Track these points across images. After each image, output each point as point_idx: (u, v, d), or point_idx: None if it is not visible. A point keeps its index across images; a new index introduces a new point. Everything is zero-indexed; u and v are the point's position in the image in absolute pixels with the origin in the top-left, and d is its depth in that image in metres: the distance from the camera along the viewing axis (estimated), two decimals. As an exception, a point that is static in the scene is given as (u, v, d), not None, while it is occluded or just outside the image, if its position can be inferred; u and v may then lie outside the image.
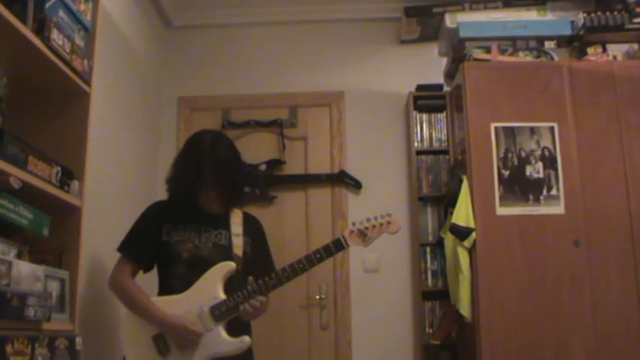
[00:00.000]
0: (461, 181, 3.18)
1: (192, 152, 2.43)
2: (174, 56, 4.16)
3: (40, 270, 1.80)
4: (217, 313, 2.26)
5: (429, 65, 3.99)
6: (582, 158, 3.16)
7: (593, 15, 3.37)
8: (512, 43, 3.47)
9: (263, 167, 3.89)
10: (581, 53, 3.40)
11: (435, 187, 3.74)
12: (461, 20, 3.54)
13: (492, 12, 3.60)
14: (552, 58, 3.40)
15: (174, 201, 2.47)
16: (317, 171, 3.97)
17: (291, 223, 3.90)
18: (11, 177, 1.66)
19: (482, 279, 3.02)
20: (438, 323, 3.49)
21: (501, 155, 3.16)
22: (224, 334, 2.26)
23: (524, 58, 3.41)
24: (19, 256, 1.81)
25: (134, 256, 2.42)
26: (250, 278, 2.31)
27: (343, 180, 3.92)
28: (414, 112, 3.81)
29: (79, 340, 1.94)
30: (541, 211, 3.10)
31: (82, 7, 2.13)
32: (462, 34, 3.48)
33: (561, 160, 3.16)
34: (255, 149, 3.88)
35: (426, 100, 3.82)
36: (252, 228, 2.55)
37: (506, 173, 3.14)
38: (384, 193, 3.92)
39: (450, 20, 3.59)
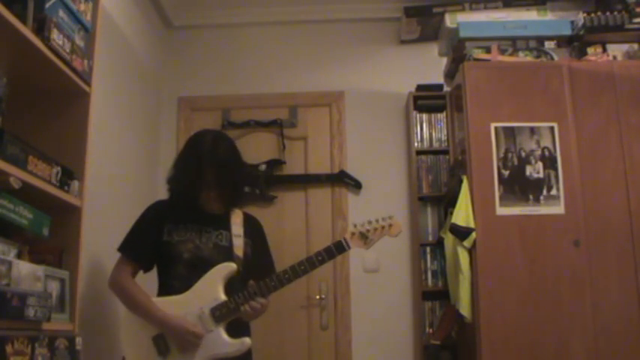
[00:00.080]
0: (461, 181, 3.18)
1: (192, 152, 2.43)
2: (174, 56, 4.16)
3: (40, 270, 1.80)
4: (218, 314, 2.26)
5: (429, 65, 3.99)
6: (582, 158, 3.16)
7: (593, 15, 3.37)
8: (512, 43, 3.47)
9: (263, 167, 3.89)
10: (581, 53, 3.41)
11: (435, 187, 3.74)
12: (461, 20, 3.54)
13: (492, 12, 3.60)
14: (552, 58, 3.40)
15: (175, 201, 2.47)
16: (317, 171, 3.97)
17: (291, 223, 3.90)
18: (11, 177, 1.66)
19: (483, 279, 3.02)
20: (438, 323, 3.49)
21: (501, 155, 3.16)
22: (224, 335, 2.26)
23: (524, 58, 3.41)
24: (19, 256, 1.81)
25: (134, 256, 2.41)
26: (251, 281, 2.31)
27: (343, 180, 3.92)
28: (414, 112, 3.81)
29: (79, 340, 1.94)
30: (541, 211, 3.10)
31: (82, 7, 2.13)
32: (462, 34, 3.48)
33: (561, 160, 3.16)
34: (255, 149, 3.88)
35: (426, 100, 3.82)
36: (253, 228, 2.55)
37: (506, 173, 3.14)
38: (384, 193, 3.92)
39: (450, 20, 3.59)
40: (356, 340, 3.75)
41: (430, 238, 3.71)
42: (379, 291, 3.81)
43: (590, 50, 3.39)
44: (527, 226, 3.08)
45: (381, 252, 3.71)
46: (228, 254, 2.39)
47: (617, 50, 3.40)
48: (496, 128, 3.19)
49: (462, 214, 3.08)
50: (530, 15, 3.56)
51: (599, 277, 3.03)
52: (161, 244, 2.37)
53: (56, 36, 1.87)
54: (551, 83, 3.24)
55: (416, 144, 3.79)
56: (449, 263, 3.31)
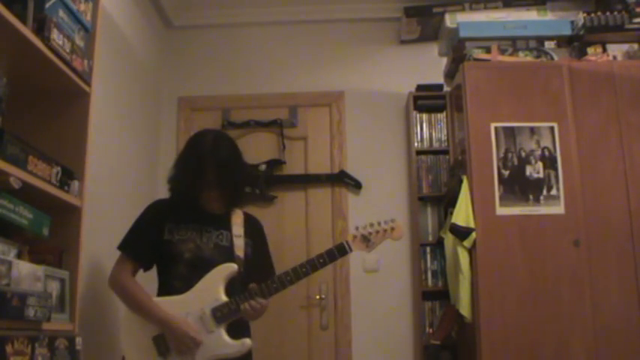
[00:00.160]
0: (461, 181, 3.18)
1: (193, 152, 2.42)
2: (174, 56, 4.17)
3: (40, 270, 1.80)
4: (219, 315, 2.26)
5: (429, 65, 3.99)
6: (582, 158, 3.16)
7: (593, 15, 3.37)
8: (512, 43, 3.47)
9: (263, 167, 3.89)
10: (581, 53, 3.41)
11: (435, 187, 3.74)
12: (461, 20, 3.54)
13: (492, 12, 3.60)
14: (552, 58, 3.40)
15: (175, 200, 2.46)
16: (317, 171, 3.97)
17: (291, 223, 3.90)
18: (11, 177, 1.66)
19: (482, 279, 3.02)
20: (438, 323, 3.49)
21: (501, 155, 3.16)
22: (225, 336, 2.26)
23: (524, 58, 3.41)
24: (19, 256, 1.81)
25: (135, 254, 2.40)
26: (252, 284, 2.31)
27: (343, 180, 3.92)
28: (414, 112, 3.81)
29: (79, 340, 1.94)
30: (541, 211, 3.10)
31: (82, 7, 2.13)
32: (462, 34, 3.48)
33: (561, 160, 3.16)
34: (255, 149, 3.88)
35: (426, 100, 3.82)
36: (253, 229, 2.54)
37: (506, 173, 3.15)
38: (384, 193, 3.92)
39: (450, 20, 3.59)
40: (356, 340, 3.75)
41: (430, 238, 3.71)
42: (379, 291, 3.81)
43: (590, 50, 3.39)
44: (527, 226, 3.08)
45: (381, 252, 3.70)
46: (228, 254, 2.38)
47: (617, 50, 3.40)
48: (496, 128, 3.19)
49: (462, 214, 3.08)
50: (530, 15, 3.56)
51: (599, 277, 3.03)
52: (162, 243, 2.37)
53: (56, 36, 1.87)
54: (551, 83, 3.24)
55: (416, 144, 3.79)
56: (449, 263, 3.31)
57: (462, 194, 3.12)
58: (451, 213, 3.19)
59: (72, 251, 2.06)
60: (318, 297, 3.79)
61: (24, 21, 1.74)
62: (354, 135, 4.02)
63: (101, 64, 2.38)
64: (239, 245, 2.42)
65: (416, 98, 3.82)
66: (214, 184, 2.38)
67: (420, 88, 3.86)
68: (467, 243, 3.06)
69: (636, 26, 3.37)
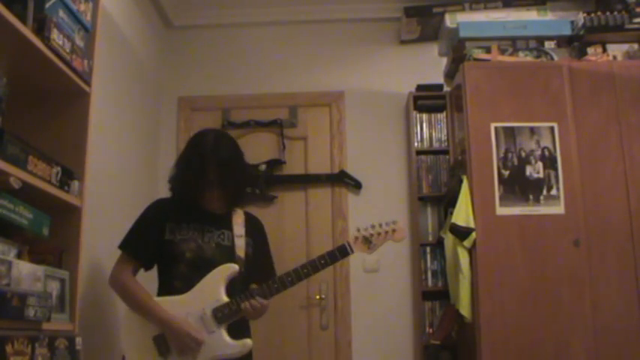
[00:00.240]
0: (461, 181, 3.18)
1: (194, 151, 2.42)
2: (174, 56, 4.17)
3: (40, 270, 1.80)
4: (220, 315, 2.25)
5: (429, 65, 3.99)
6: (582, 158, 3.16)
7: (593, 15, 3.37)
8: (512, 43, 3.47)
9: (263, 167, 3.89)
10: (581, 53, 3.41)
11: (435, 187, 3.74)
12: (461, 20, 3.54)
13: (492, 12, 3.60)
14: (552, 58, 3.40)
15: (176, 199, 2.46)
16: (317, 171, 3.97)
17: (291, 223, 3.90)
18: (11, 177, 1.66)
19: (482, 279, 3.02)
20: (438, 323, 3.49)
21: (501, 155, 3.16)
22: (226, 336, 2.26)
23: (524, 58, 3.41)
24: (19, 256, 1.81)
25: (136, 253, 2.40)
26: (254, 285, 2.31)
27: (343, 180, 3.92)
28: (414, 112, 3.81)
29: (79, 340, 1.94)
30: (541, 211, 3.10)
31: (82, 7, 2.13)
32: (462, 34, 3.48)
33: (561, 160, 3.16)
34: (255, 149, 3.87)
35: (426, 100, 3.82)
36: (254, 228, 2.54)
37: (506, 173, 3.14)
38: (384, 193, 3.92)
39: (450, 20, 3.59)
40: (356, 340, 3.75)
41: (430, 238, 3.71)
42: (379, 291, 3.81)
43: (590, 50, 3.39)
44: (527, 226, 3.08)
45: (381, 252, 3.69)
46: (230, 254, 2.38)
47: (617, 50, 3.40)
48: (496, 128, 3.19)
49: (462, 214, 3.08)
50: (530, 15, 3.56)
51: (599, 277, 3.03)
52: (163, 242, 2.36)
53: (56, 36, 1.87)
54: (551, 83, 3.24)
55: (416, 144, 3.79)
56: (449, 263, 3.31)
57: (462, 194, 3.12)
58: (451, 213, 3.19)
59: (72, 251, 2.06)
60: (318, 297, 3.79)
61: (24, 21, 1.74)
62: (354, 135, 4.02)
63: (101, 64, 2.38)
64: (240, 245, 2.42)
65: (416, 98, 3.82)
66: (215, 183, 2.38)
67: (420, 88, 3.86)
68: (467, 243, 3.06)
69: (636, 26, 3.37)
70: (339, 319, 3.78)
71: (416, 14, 3.85)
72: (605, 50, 3.39)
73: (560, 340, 2.96)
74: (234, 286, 2.32)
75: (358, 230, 2.39)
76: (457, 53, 3.50)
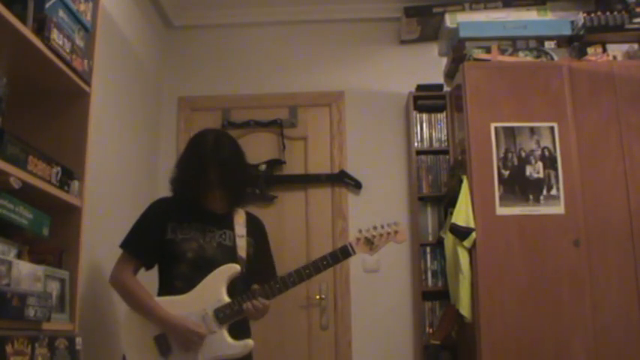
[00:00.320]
0: (461, 181, 3.18)
1: (195, 152, 2.42)
2: (174, 56, 4.17)
3: (40, 270, 1.80)
4: (221, 316, 2.25)
5: (429, 65, 3.99)
6: (582, 158, 3.16)
7: (593, 15, 3.37)
8: (512, 43, 3.47)
9: (263, 167, 3.89)
10: (581, 53, 3.41)
11: (435, 187, 3.74)
12: (461, 20, 3.54)
13: (492, 12, 3.60)
14: (552, 58, 3.40)
15: (178, 199, 2.46)
16: (317, 171, 3.97)
17: (291, 223, 3.90)
18: (11, 177, 1.66)
19: (482, 279, 3.02)
20: (438, 323, 3.49)
21: (501, 155, 3.16)
22: (228, 337, 2.26)
23: (524, 58, 3.41)
24: (19, 256, 1.81)
25: (137, 252, 2.39)
26: (255, 285, 2.31)
27: (343, 180, 3.92)
28: (414, 112, 3.81)
29: (79, 340, 1.94)
30: (541, 211, 3.10)
31: (82, 7, 2.13)
32: (462, 34, 3.48)
33: (561, 160, 3.16)
34: (255, 149, 3.87)
35: (426, 100, 3.82)
36: (255, 228, 2.54)
37: (506, 173, 3.15)
38: (384, 193, 3.92)
39: (450, 20, 3.60)
40: (356, 340, 3.75)
41: (430, 238, 3.71)
42: (379, 291, 3.81)
43: (590, 50, 3.39)
44: (527, 226, 3.08)
45: (381, 252, 3.70)
46: (231, 254, 2.38)
47: (617, 50, 3.40)
48: (496, 128, 3.19)
49: (462, 214, 3.08)
50: (530, 15, 3.56)
51: (599, 277, 3.03)
52: (164, 242, 2.36)
53: (56, 36, 1.87)
54: (551, 83, 3.24)
55: (416, 144, 3.79)
56: (449, 263, 3.31)
57: (462, 194, 3.12)
58: (451, 213, 3.19)
59: (72, 251, 2.06)
60: (318, 297, 3.79)
61: (24, 21, 1.74)
62: (354, 135, 4.02)
63: (101, 64, 2.38)
64: (241, 245, 2.42)
65: (416, 98, 3.82)
66: (216, 183, 2.38)
67: (420, 88, 3.86)
68: (467, 243, 3.06)
69: (636, 26, 3.37)
70: (339, 319, 3.78)
71: (416, 14, 3.85)
72: (605, 50, 3.39)
73: (560, 340, 2.96)
74: (235, 287, 2.32)
75: (360, 231, 2.39)
76: (457, 53, 3.50)
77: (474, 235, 3.05)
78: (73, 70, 2.02)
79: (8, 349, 1.53)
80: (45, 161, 1.86)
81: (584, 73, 3.26)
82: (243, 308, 2.26)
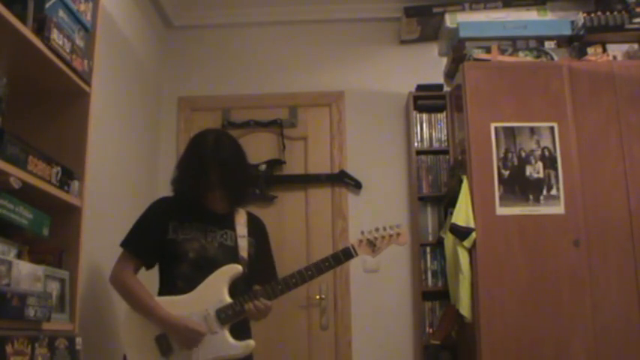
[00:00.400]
0: (461, 181, 3.18)
1: (195, 152, 2.41)
2: (174, 56, 4.17)
3: (40, 270, 1.80)
4: (223, 316, 2.25)
5: (429, 65, 3.99)
6: (582, 158, 3.16)
7: (593, 15, 3.37)
8: (512, 43, 3.47)
9: (263, 167, 3.89)
10: (581, 53, 3.41)
11: (435, 187, 3.74)
12: (461, 20, 3.54)
13: (492, 12, 3.60)
14: (552, 58, 3.40)
15: (179, 199, 2.45)
16: (317, 171, 3.97)
17: (291, 223, 3.90)
18: (11, 177, 1.66)
19: (482, 279, 3.02)
20: (438, 323, 3.49)
21: (501, 155, 3.16)
22: (229, 337, 2.26)
23: (524, 58, 3.41)
24: (19, 256, 1.81)
25: (138, 252, 2.39)
26: (257, 286, 2.31)
27: (343, 180, 3.92)
28: (414, 112, 3.81)
29: (79, 340, 1.94)
30: (541, 211, 3.10)
31: (82, 7, 2.13)
32: (462, 34, 3.48)
33: (561, 160, 3.16)
34: (255, 149, 3.86)
35: (426, 100, 3.82)
36: (257, 229, 2.54)
37: (506, 173, 3.14)
38: (384, 193, 3.92)
39: (450, 20, 3.60)
40: (356, 340, 3.75)
41: (430, 238, 3.71)
42: (379, 291, 3.80)
43: (590, 50, 3.39)
44: (527, 226, 3.08)
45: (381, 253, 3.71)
46: (233, 255, 2.38)
47: (617, 50, 3.40)
48: (496, 128, 3.19)
49: (462, 214, 3.08)
50: (530, 15, 3.56)
51: (599, 277, 3.03)
52: (165, 242, 2.35)
53: (56, 36, 1.87)
54: (551, 83, 3.24)
55: (416, 144, 3.79)
56: (449, 263, 3.31)
57: (462, 194, 3.12)
58: (451, 213, 3.19)
59: (72, 251, 2.06)
60: (318, 297, 3.79)
61: (24, 21, 1.74)
62: (354, 135, 4.02)
63: (101, 64, 2.38)
64: (243, 246, 2.42)
65: (416, 98, 3.82)
66: (217, 184, 2.38)
67: (420, 88, 3.86)
68: (467, 243, 3.06)
69: (636, 26, 3.37)
70: (339, 319, 3.78)
71: (416, 14, 3.85)
72: (605, 50, 3.39)
73: (560, 340, 2.96)
74: (236, 287, 2.32)
75: (362, 233, 2.39)
76: (457, 53, 3.50)
77: (474, 235, 3.05)
78: (73, 70, 2.02)
79: (8, 349, 1.53)
80: (45, 161, 1.86)
81: (584, 73, 3.26)
82: (245, 309, 2.26)
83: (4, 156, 1.64)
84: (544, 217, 3.09)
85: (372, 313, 3.78)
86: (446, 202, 3.57)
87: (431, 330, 3.53)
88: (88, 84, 2.14)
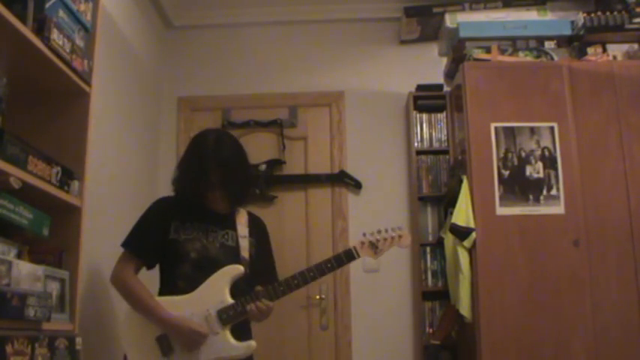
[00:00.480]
0: (461, 181, 3.17)
1: (196, 152, 2.41)
2: (174, 56, 4.16)
3: (40, 270, 1.80)
4: (225, 317, 2.25)
5: (429, 65, 3.99)
6: (582, 158, 3.16)
7: (593, 15, 3.37)
8: (512, 43, 3.47)
9: (263, 167, 3.89)
10: (581, 53, 3.40)
11: (435, 187, 3.74)
12: (461, 20, 3.54)
13: (492, 12, 3.60)
14: (552, 58, 3.40)
15: (179, 199, 2.45)
16: (317, 171, 3.97)
17: (291, 223, 3.90)
18: (11, 177, 1.66)
19: (483, 279, 3.02)
20: (438, 323, 3.49)
21: (501, 155, 3.16)
22: (231, 338, 2.26)
23: (524, 58, 3.41)
24: (19, 256, 1.81)
25: (139, 252, 2.38)
26: (259, 287, 2.31)
27: (343, 180, 3.92)
28: (414, 112, 3.82)
29: (79, 340, 1.94)
30: (541, 211, 3.10)
31: (82, 7, 2.13)
32: (462, 34, 3.48)
33: (561, 160, 3.15)
34: (255, 149, 3.85)
35: (426, 100, 3.82)
36: (258, 229, 2.54)
37: (506, 173, 3.14)
38: (384, 193, 3.92)
39: (450, 20, 3.59)
40: (356, 340, 3.75)
41: (430, 238, 3.71)
42: (379, 291, 3.81)
43: (590, 50, 3.39)
44: (527, 226, 3.08)
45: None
46: (234, 255, 2.38)
47: (617, 50, 3.40)
48: (496, 128, 3.19)
49: (462, 214, 3.08)
50: (530, 15, 3.56)
51: (599, 277, 3.03)
52: (167, 241, 2.35)
53: (56, 36, 1.87)
54: (551, 83, 3.24)
55: (416, 144, 3.79)
56: (449, 263, 3.31)
57: (462, 194, 3.12)
58: (451, 213, 3.19)
59: (72, 251, 2.06)
60: (318, 297, 3.79)
61: (24, 21, 1.74)
62: (354, 135, 4.02)
63: (101, 64, 2.38)
64: (244, 246, 2.41)
65: (416, 98, 3.82)
66: (217, 184, 2.37)
67: (420, 88, 3.86)
68: (467, 243, 3.06)
69: (636, 26, 3.36)
70: (339, 319, 3.78)
71: (416, 14, 3.85)
72: (605, 50, 3.39)
73: (560, 341, 2.96)
74: (237, 287, 2.31)
75: (364, 235, 2.40)
76: (457, 53, 3.50)
77: (474, 235, 3.05)
78: (73, 70, 2.02)
79: (8, 349, 1.53)
80: (45, 161, 1.86)
81: (584, 73, 3.26)
82: (246, 309, 2.26)
83: (4, 156, 1.64)
84: (544, 217, 3.09)
85: (372, 313, 3.78)
86: (446, 202, 3.57)
87: (431, 330, 3.53)
88: (88, 84, 2.14)
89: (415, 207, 3.74)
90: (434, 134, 3.80)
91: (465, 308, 3.06)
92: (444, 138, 3.78)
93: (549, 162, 3.16)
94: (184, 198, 2.43)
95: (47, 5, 1.88)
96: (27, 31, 1.73)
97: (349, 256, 2.36)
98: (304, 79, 4.11)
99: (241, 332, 2.31)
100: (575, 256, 3.04)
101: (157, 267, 2.45)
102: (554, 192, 3.12)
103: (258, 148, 3.93)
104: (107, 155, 2.97)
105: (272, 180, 3.91)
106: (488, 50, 3.40)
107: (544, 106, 3.21)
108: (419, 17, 3.86)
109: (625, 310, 3.00)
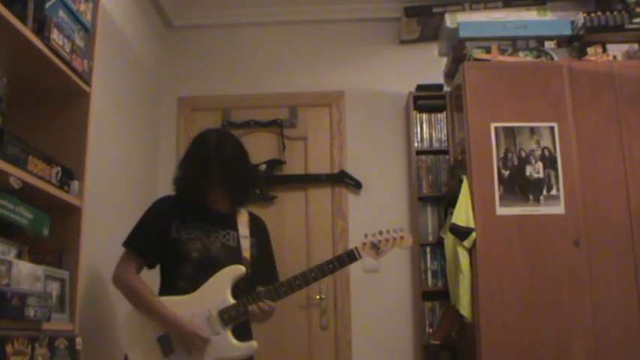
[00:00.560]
0: (461, 181, 3.17)
1: (197, 152, 2.41)
2: (174, 56, 4.16)
3: (40, 270, 1.80)
4: (226, 317, 2.25)
5: (429, 65, 3.99)
6: (582, 158, 3.16)
7: (593, 15, 3.37)
8: (512, 43, 3.47)
9: (263, 167, 3.89)
10: (581, 53, 3.40)
11: (435, 187, 3.74)
12: (461, 20, 3.54)
13: (492, 12, 3.60)
14: (552, 58, 3.40)
15: (181, 198, 2.45)
16: (317, 171, 3.97)
17: (291, 223, 3.90)
18: (11, 177, 1.66)
19: (483, 279, 3.02)
20: (438, 323, 3.49)
21: (501, 155, 3.16)
22: (232, 339, 2.25)
23: (524, 58, 3.41)
24: (19, 256, 1.81)
25: (141, 251, 2.38)
26: (260, 287, 2.31)
27: (343, 180, 3.92)
28: (414, 112, 3.82)
29: (79, 340, 1.94)
30: (541, 211, 3.10)
31: (82, 7, 2.13)
32: (462, 34, 3.48)
33: (561, 160, 3.15)
34: (255, 149, 3.82)
35: (426, 100, 3.82)
36: (259, 229, 2.54)
37: (506, 173, 3.14)
38: (384, 193, 3.92)
39: (450, 20, 3.59)
40: (356, 340, 3.75)
41: (430, 238, 3.71)
42: (379, 291, 3.80)
43: (590, 50, 3.39)
44: (527, 226, 3.08)
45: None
46: (236, 255, 2.37)
47: (617, 50, 3.40)
48: (496, 128, 3.19)
49: (462, 214, 3.08)
50: (530, 15, 3.56)
51: (599, 277, 3.03)
52: (168, 241, 2.35)
53: (56, 36, 1.87)
54: (551, 83, 3.24)
55: (416, 144, 3.79)
56: (449, 263, 3.30)
57: (462, 194, 3.12)
58: (451, 213, 3.19)
59: (72, 251, 2.06)
60: (318, 297, 3.79)
61: (24, 21, 1.74)
62: (354, 135, 4.02)
63: (101, 64, 2.38)
64: (245, 246, 2.41)
65: (416, 98, 3.82)
66: (219, 184, 2.37)
67: (420, 88, 3.86)
68: (467, 243, 3.06)
69: (636, 26, 3.36)
70: (339, 319, 3.78)
71: (416, 14, 3.85)
72: (605, 50, 3.39)
73: (560, 340, 2.96)
74: (238, 288, 2.31)
75: (366, 236, 2.40)
76: (457, 53, 3.50)
77: (474, 235, 3.05)
78: (73, 70, 2.02)
79: (8, 349, 1.53)
80: (45, 161, 1.86)
81: (584, 73, 3.26)
82: (248, 310, 2.25)
83: (4, 156, 1.64)
84: (544, 217, 3.09)
85: (372, 313, 3.78)
86: (446, 202, 3.57)
87: (431, 330, 3.53)
88: (88, 84, 2.14)
89: (415, 207, 3.74)
90: (434, 134, 3.80)
91: (464, 308, 3.06)
92: (444, 138, 3.78)
93: (549, 162, 3.16)
94: (185, 198, 2.43)
95: (47, 5, 1.88)
96: (27, 31, 1.73)
97: (351, 256, 2.36)
98: (304, 79, 4.11)
99: (242, 333, 2.30)
100: (575, 256, 3.04)
101: (158, 267, 2.45)
102: (554, 192, 3.12)
103: (258, 148, 3.92)
104: (107, 155, 2.97)
105: (272, 180, 3.91)
106: (488, 50, 3.40)
107: (544, 106, 3.21)
108: (419, 17, 3.86)
109: (625, 310, 3.00)
